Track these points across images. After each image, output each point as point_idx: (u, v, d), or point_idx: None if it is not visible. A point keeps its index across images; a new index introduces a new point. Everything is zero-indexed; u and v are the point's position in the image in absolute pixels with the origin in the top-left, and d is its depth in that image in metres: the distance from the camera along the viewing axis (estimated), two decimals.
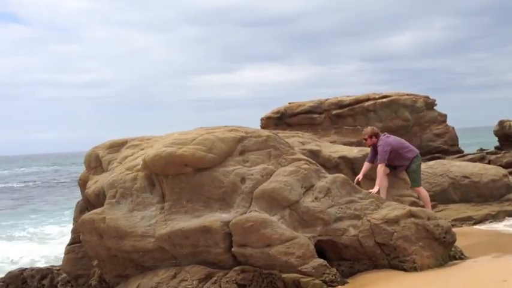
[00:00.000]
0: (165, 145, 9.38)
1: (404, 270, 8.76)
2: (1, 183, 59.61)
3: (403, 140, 10.79)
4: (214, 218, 8.91)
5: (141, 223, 9.28)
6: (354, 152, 10.84)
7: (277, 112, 15.40)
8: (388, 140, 10.37)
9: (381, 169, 10.13)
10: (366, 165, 10.36)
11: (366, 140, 10.42)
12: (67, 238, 12.53)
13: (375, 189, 9.81)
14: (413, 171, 10.51)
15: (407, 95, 15.69)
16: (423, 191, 10.71)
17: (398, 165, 10.49)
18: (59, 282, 11.62)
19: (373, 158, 10.39)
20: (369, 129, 10.49)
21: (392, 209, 9.18)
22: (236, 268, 8.69)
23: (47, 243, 20.02)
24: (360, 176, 10.23)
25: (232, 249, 8.75)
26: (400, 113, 14.78)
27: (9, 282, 12.15)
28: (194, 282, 8.75)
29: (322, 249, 8.99)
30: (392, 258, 8.90)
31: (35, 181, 59.98)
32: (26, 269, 12.55)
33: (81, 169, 12.08)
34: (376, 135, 10.39)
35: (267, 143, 9.66)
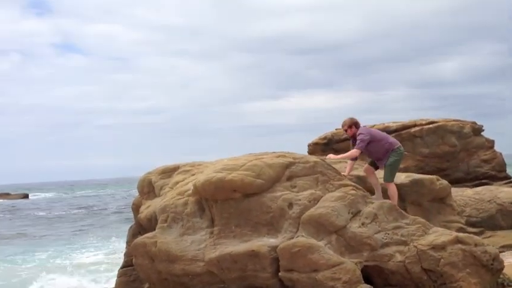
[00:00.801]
0: (215, 171, 9.56)
1: None
2: (56, 210, 60.42)
3: (383, 133, 10.74)
4: (262, 242, 9.01)
5: (191, 247, 9.43)
6: (401, 178, 10.84)
7: (324, 138, 15.51)
8: (368, 129, 10.40)
9: (352, 153, 10.17)
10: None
11: (346, 131, 10.45)
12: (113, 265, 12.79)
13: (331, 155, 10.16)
14: (390, 164, 10.22)
15: (454, 120, 15.62)
16: (393, 187, 10.37)
17: (378, 159, 10.35)
18: None
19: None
20: (347, 120, 10.44)
21: (439, 235, 9.15)
22: None
23: (95, 271, 20.34)
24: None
25: (280, 273, 8.82)
26: (447, 138, 14.73)
27: None
28: None
29: (368, 275, 9.00)
30: (439, 285, 8.85)
31: (91, 206, 60.74)
32: None
33: (136, 194, 12.31)
34: (356, 125, 10.37)
35: (314, 169, 9.77)
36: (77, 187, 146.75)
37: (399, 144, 10.36)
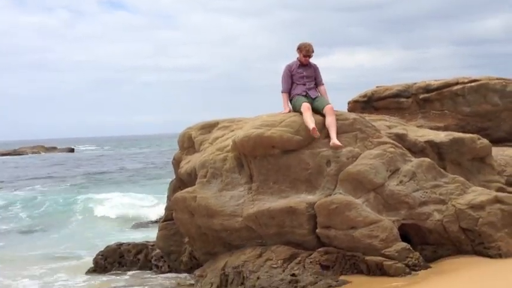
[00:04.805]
0: (254, 127, 9.59)
1: (489, 256, 8.73)
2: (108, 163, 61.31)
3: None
4: (300, 199, 9.08)
5: (229, 202, 9.53)
6: (440, 136, 10.73)
7: (365, 96, 15.31)
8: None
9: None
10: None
11: (309, 57, 10.27)
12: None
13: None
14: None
15: (497, 79, 15.28)
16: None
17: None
18: (153, 257, 12.17)
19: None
20: (312, 44, 10.31)
21: (478, 194, 9.15)
22: (320, 249, 8.85)
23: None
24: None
25: (317, 230, 8.90)
26: (489, 97, 14.42)
27: (108, 255, 12.84)
28: (279, 261, 8.94)
29: (405, 233, 9.07)
30: (477, 244, 8.89)
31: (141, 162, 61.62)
32: (123, 243, 13.19)
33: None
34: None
35: (353, 126, 9.72)
36: (119, 142, 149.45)
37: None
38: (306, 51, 10.14)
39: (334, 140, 9.35)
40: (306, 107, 9.62)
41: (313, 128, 9.24)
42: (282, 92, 10.30)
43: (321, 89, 10.32)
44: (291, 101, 10.19)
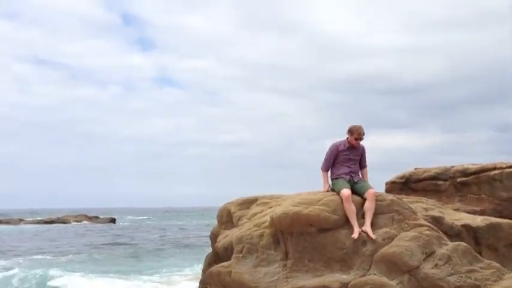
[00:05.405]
0: (293, 204, 9.73)
1: None
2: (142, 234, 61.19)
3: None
4: (334, 278, 9.07)
5: (264, 279, 9.55)
6: (477, 220, 10.75)
7: (403, 177, 15.40)
8: None
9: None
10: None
11: (361, 140, 10.35)
12: None
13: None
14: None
15: None
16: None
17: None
18: None
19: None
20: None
21: None
22: None
23: None
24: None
25: None
26: None
27: None
28: None
29: None
30: None
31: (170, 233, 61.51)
32: None
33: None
34: None
35: (390, 207, 9.79)
36: (162, 213, 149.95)
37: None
38: (357, 134, 10.24)
39: (367, 228, 9.45)
40: (346, 196, 9.67)
41: (357, 238, 9.38)
42: (322, 170, 10.44)
43: (364, 170, 10.54)
44: (332, 179, 10.33)
